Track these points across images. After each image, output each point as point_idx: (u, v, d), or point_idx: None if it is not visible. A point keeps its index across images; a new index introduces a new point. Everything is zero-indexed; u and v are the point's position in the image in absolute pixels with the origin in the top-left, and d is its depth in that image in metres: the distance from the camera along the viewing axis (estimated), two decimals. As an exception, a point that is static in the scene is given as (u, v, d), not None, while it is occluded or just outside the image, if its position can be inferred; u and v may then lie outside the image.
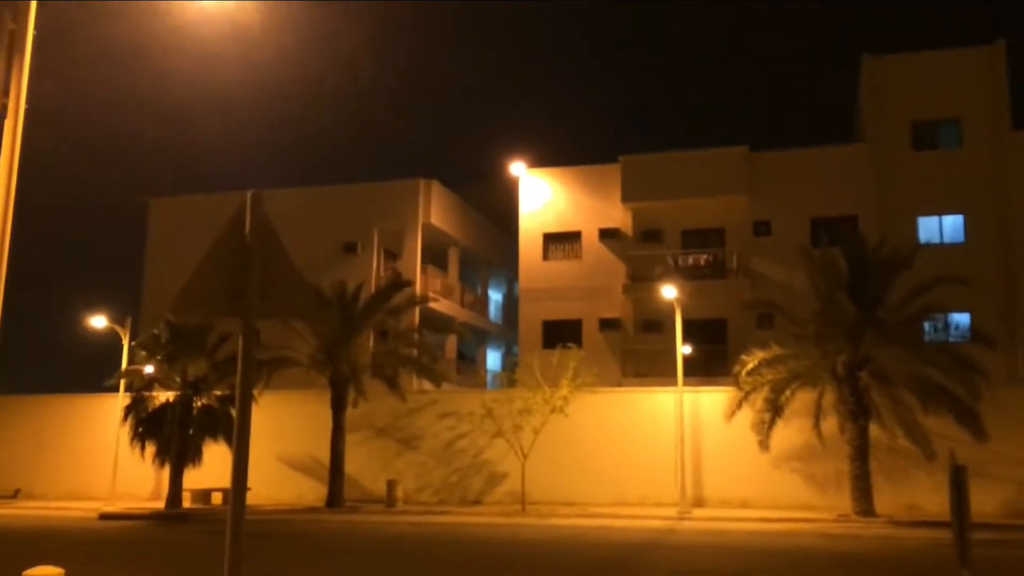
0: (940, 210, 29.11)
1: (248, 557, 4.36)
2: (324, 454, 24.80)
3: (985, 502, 20.47)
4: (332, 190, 34.31)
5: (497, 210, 38.35)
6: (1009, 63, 28.97)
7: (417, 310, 29.57)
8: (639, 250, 31.59)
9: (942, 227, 29.20)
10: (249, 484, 4.59)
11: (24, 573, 8.15)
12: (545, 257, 32.98)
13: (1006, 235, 28.15)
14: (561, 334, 31.65)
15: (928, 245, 27.85)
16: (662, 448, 23.87)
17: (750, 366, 22.01)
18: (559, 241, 33.10)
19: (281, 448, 26.13)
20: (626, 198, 31.64)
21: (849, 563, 14.05)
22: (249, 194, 4.82)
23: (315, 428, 25.39)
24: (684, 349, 24.57)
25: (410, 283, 29.41)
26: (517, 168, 33.00)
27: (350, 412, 24.98)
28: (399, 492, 24.79)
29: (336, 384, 24.86)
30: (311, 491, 25.63)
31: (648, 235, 32.10)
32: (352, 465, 25.04)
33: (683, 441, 22.98)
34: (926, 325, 22.51)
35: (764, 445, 21.46)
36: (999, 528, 18.10)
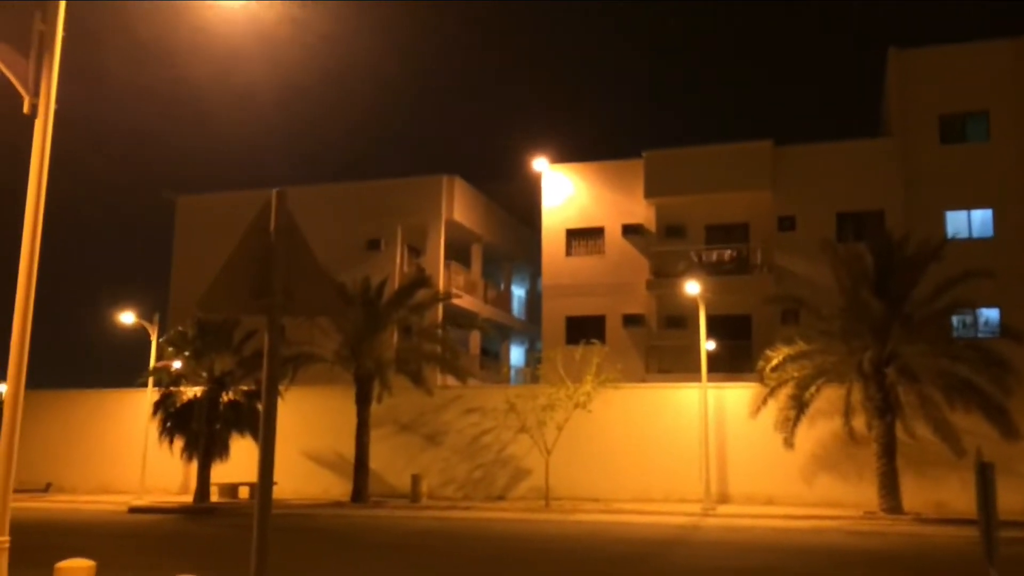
0: (968, 204, 28.71)
1: (274, 550, 4.44)
2: (349, 449, 24.97)
3: (1014, 500, 20.21)
4: (355, 187, 34.49)
5: (520, 206, 38.37)
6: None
7: (440, 306, 29.67)
8: (662, 246, 31.47)
9: (970, 221, 28.82)
10: (275, 479, 4.66)
11: (57, 566, 8.32)
12: (568, 253, 32.96)
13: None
14: (584, 330, 31.67)
15: (956, 240, 27.47)
16: (686, 444, 23.81)
17: (775, 362, 21.87)
18: (582, 237, 33.05)
19: (306, 443, 26.36)
20: (649, 193, 31.52)
21: (875, 560, 13.96)
22: (274, 192, 4.89)
23: (340, 423, 25.57)
24: (708, 345, 24.47)
25: (433, 279, 29.54)
26: (540, 164, 33.00)
27: (374, 408, 25.13)
28: (423, 487, 24.93)
29: (360, 380, 25.02)
30: (336, 486, 25.83)
31: (671, 231, 31.97)
32: (376, 460, 25.21)
33: (707, 437, 22.90)
34: (954, 320, 22.23)
35: (789, 442, 21.31)
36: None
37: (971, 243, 27.65)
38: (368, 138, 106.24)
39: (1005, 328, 22.81)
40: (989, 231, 28.44)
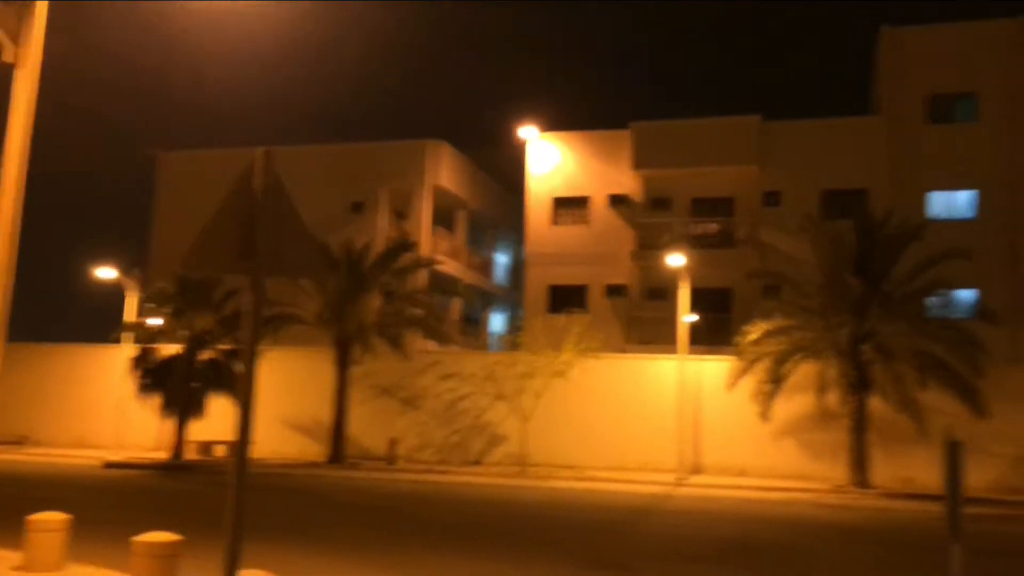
0: (953, 185, 28.89)
1: (249, 509, 4.47)
2: (327, 411, 25.04)
3: (980, 477, 20.65)
4: (341, 149, 34.21)
5: (507, 173, 38.21)
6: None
7: (424, 271, 29.63)
8: (648, 217, 31.50)
9: (954, 202, 29.02)
10: (252, 438, 4.68)
11: (30, 518, 8.34)
12: (553, 222, 32.94)
13: (1018, 212, 27.97)
14: (567, 299, 31.78)
15: (939, 220, 27.72)
16: (663, 415, 24.06)
17: (754, 336, 22.08)
18: (568, 206, 33.02)
19: (285, 404, 26.39)
20: (637, 165, 31.49)
21: (843, 533, 14.24)
22: (260, 151, 4.85)
23: (319, 385, 25.60)
24: (689, 318, 24.63)
25: (417, 244, 29.46)
26: (527, 131, 32.83)
27: (354, 371, 25.17)
28: (400, 451, 25.08)
29: (341, 342, 25.01)
30: (313, 447, 25.93)
31: (657, 202, 31.99)
32: (354, 423, 25.30)
33: (683, 408, 23.13)
34: (933, 300, 22.46)
35: (764, 415, 21.59)
36: (992, 503, 18.27)
37: (954, 224, 27.85)
38: (357, 102, 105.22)
39: (982, 309, 23.12)
40: (972, 212, 28.67)
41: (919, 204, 28.27)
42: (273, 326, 23.74)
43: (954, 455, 7.39)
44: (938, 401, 20.08)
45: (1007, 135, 28.34)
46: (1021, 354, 25.01)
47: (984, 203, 28.47)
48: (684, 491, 20.05)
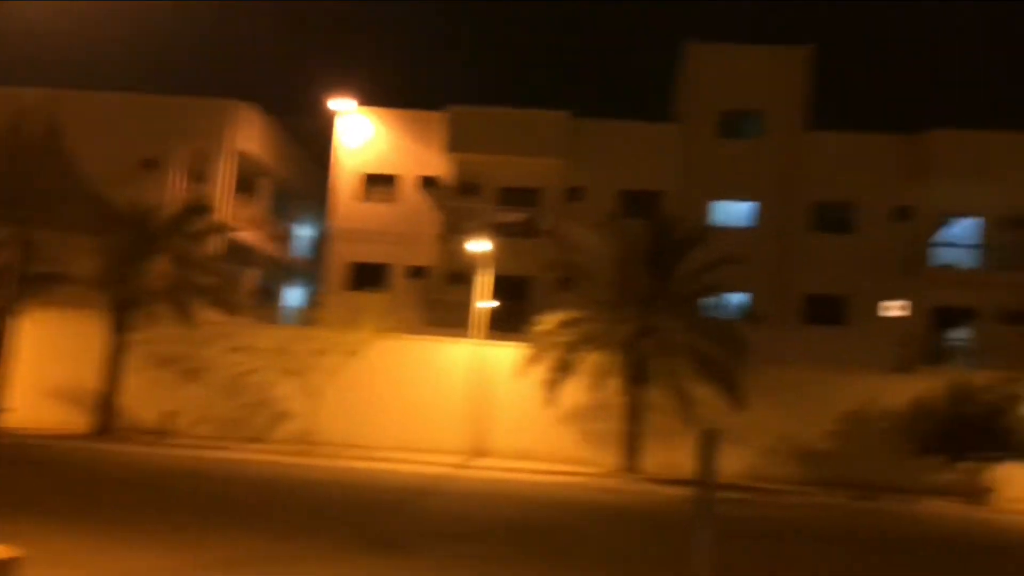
0: (736, 195, 31.15)
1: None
2: (97, 379, 23.30)
3: (737, 465, 22.44)
4: (137, 99, 31.83)
5: (318, 145, 37.13)
6: (819, 67, 31.27)
7: (219, 238, 28.23)
8: (457, 201, 31.67)
9: (737, 212, 31.28)
10: (9, 404, 4.18)
11: None
12: (361, 198, 32.42)
13: (788, 226, 30.57)
14: (368, 277, 31.43)
15: (724, 227, 29.84)
16: (455, 398, 24.32)
17: (547, 326, 22.74)
18: (376, 183, 32.61)
19: (50, 370, 24.28)
20: (452, 148, 31.58)
21: (608, 513, 15.04)
22: (36, 92, 4.33)
23: (90, 351, 23.74)
24: (487, 303, 25.03)
25: (214, 209, 28.03)
26: (341, 103, 32.04)
27: (132, 337, 23.58)
28: (180, 425, 23.79)
29: (120, 306, 23.33)
30: (80, 418, 24.03)
31: (467, 188, 32.24)
32: (129, 394, 23.70)
33: (475, 393, 23.47)
34: (710, 301, 24.08)
35: (550, 402, 22.30)
36: (745, 489, 19.89)
37: (736, 232, 30.07)
38: (162, 56, 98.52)
39: (752, 311, 25.08)
40: (752, 222, 31.03)
41: (706, 211, 30.27)
42: (40, 285, 21.76)
43: (708, 443, 7.91)
44: (707, 394, 21.52)
45: (785, 153, 30.88)
46: (781, 354, 27.25)
47: (762, 214, 30.89)
48: (469, 473, 20.37)
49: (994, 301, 29.83)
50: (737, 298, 29.16)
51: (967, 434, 21.43)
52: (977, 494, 21.61)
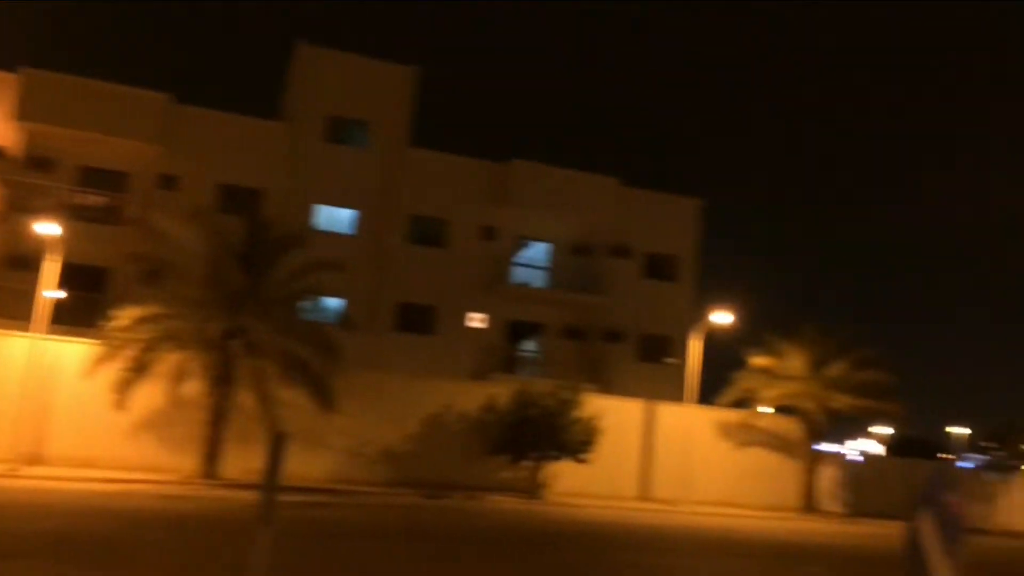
0: (338, 201, 31.50)
1: None
2: None
3: (323, 467, 22.63)
4: None
5: None
6: (426, 87, 32.88)
7: None
8: (25, 176, 27.82)
9: (339, 218, 31.63)
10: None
11: None
12: None
13: (386, 235, 31.67)
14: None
15: (325, 232, 30.01)
16: (8, 397, 21.25)
17: (123, 321, 20.86)
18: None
19: None
20: (23, 116, 27.72)
21: (174, 522, 14.18)
22: None
23: None
24: (54, 294, 22.29)
25: None
26: None
27: None
28: None
29: None
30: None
31: (40, 162, 28.45)
32: None
33: (30, 393, 20.71)
34: (305, 304, 23.94)
35: (121, 405, 20.46)
36: (327, 491, 20.05)
37: (337, 237, 30.40)
38: None
39: (345, 317, 25.42)
40: (351, 230, 31.59)
41: (309, 213, 30.21)
42: None
43: (276, 446, 7.78)
44: (297, 398, 21.34)
45: (387, 165, 32.02)
46: (373, 359, 28.10)
47: (362, 222, 31.63)
48: (16, 483, 17.90)
49: (559, 318, 33.78)
50: (333, 303, 29.44)
51: (529, 436, 23.89)
52: (535, 489, 24.17)
